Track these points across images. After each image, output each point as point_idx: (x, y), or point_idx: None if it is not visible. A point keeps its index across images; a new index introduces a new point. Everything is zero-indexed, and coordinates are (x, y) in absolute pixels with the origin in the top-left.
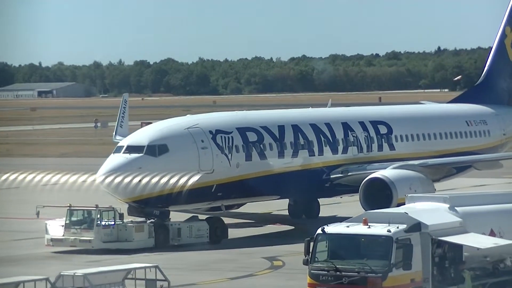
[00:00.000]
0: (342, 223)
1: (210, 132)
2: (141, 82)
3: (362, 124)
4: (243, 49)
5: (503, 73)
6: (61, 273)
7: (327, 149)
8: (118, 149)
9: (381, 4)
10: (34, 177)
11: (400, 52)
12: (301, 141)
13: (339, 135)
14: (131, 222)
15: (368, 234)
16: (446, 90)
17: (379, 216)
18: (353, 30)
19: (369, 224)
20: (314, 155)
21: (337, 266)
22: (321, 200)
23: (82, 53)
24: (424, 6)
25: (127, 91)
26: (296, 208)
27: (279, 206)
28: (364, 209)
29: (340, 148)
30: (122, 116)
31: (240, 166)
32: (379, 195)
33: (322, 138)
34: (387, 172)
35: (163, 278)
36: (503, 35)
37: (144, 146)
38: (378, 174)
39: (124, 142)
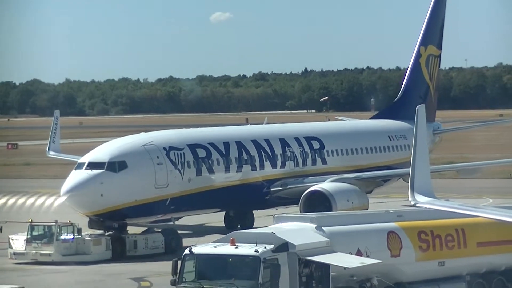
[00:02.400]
0: (210, 243)
1: (164, 148)
2: (7, 103)
3: (297, 140)
4: (110, 70)
5: (418, 90)
6: None
7: (267, 164)
8: (80, 166)
9: (247, 25)
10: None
11: (267, 73)
12: (245, 156)
13: (278, 150)
14: (90, 235)
15: (235, 254)
16: (313, 111)
17: (247, 236)
18: (221, 51)
19: (236, 244)
20: (256, 170)
21: (205, 286)
22: (256, 212)
23: None
24: (291, 28)
25: None
26: (232, 220)
27: (212, 217)
28: None
29: (279, 162)
30: (54, 133)
31: (192, 181)
32: (319, 207)
33: (263, 154)
34: (326, 185)
35: None
36: (418, 55)
37: (105, 163)
38: (318, 187)
39: (85, 159)
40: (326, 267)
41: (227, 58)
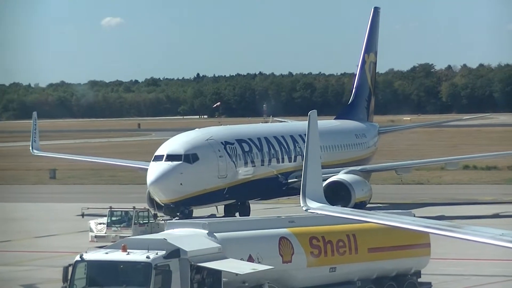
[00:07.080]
0: (101, 249)
1: (222, 143)
2: None
3: (301, 136)
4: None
5: (364, 94)
6: None
7: (286, 158)
8: (158, 158)
9: (139, 30)
10: None
11: (159, 78)
12: (272, 150)
13: (291, 146)
14: (163, 220)
15: (126, 261)
16: (205, 116)
17: (139, 243)
18: (112, 56)
19: (128, 250)
20: (279, 163)
21: None
22: (255, 202)
23: None
24: (183, 33)
25: None
26: (231, 208)
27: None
28: None
29: (292, 156)
30: (34, 133)
31: (241, 172)
32: (338, 196)
33: (283, 149)
34: (344, 176)
35: None
36: (364, 61)
37: (181, 155)
38: (336, 178)
39: (162, 151)
40: (217, 273)
41: (118, 63)
